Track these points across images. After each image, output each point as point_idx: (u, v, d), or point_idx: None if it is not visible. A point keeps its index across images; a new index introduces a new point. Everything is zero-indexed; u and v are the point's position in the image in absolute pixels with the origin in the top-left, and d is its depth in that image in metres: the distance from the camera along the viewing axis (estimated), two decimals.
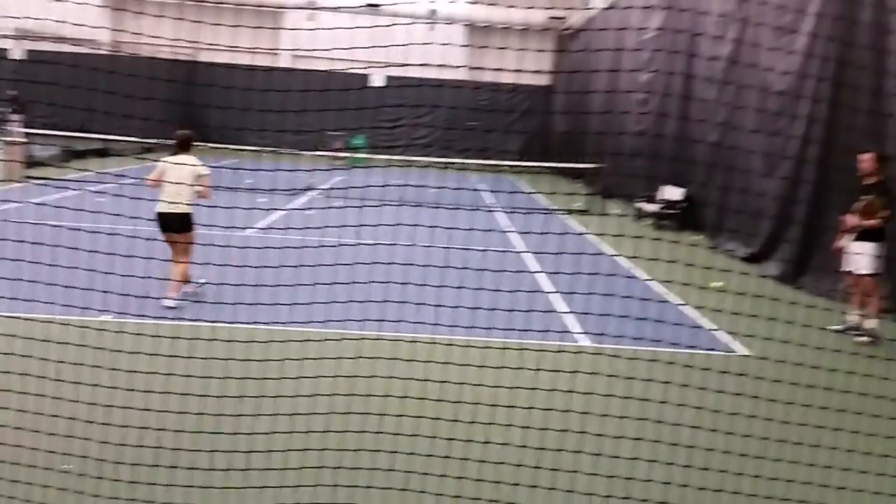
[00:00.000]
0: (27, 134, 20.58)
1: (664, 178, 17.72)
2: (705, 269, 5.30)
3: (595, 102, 22.24)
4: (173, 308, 7.13)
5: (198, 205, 7.80)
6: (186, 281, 8.02)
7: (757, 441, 4.88)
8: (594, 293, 5.05)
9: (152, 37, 5.81)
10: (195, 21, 5.80)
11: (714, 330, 8.29)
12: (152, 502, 4.21)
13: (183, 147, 8.50)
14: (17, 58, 28.07)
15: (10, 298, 4.85)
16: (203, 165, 8.17)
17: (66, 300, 4.86)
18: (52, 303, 4.95)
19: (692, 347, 7.21)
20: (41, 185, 12.68)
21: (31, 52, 29.97)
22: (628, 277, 5.25)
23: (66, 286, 4.88)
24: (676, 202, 17.09)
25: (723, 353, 7.71)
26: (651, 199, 17.81)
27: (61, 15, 5.02)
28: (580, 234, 5.12)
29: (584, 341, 7.81)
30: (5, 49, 30.84)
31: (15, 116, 23.98)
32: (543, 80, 36.31)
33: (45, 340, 4.98)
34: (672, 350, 6.43)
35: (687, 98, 17.09)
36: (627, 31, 20.58)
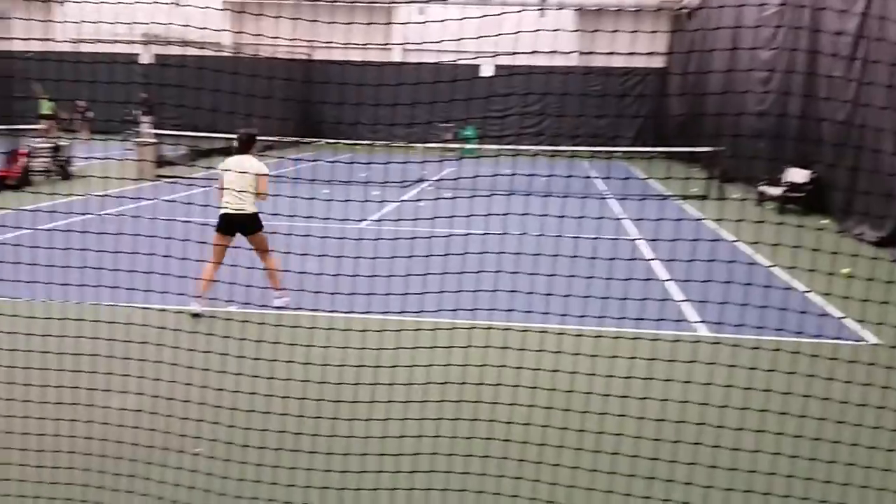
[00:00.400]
0: (157, 135, 21.77)
1: (788, 160, 16.96)
2: (833, 255, 5.05)
3: (713, 83, 21.47)
4: (281, 306, 7.23)
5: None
6: (276, 287, 7.90)
7: (888, 433, 4.63)
8: (712, 280, 4.91)
9: (271, 38, 6.03)
10: (311, 21, 5.98)
11: (842, 318, 7.90)
12: (276, 483, 4.40)
13: (245, 147, 8.28)
14: (146, 62, 29.66)
15: (145, 290, 5.17)
16: (261, 166, 8.13)
17: (195, 292, 5.13)
18: (183, 294, 5.23)
19: (818, 336, 6.89)
20: (171, 183, 13.39)
21: (158, 56, 31.62)
22: (749, 264, 5.06)
23: (195, 278, 5.15)
24: (802, 184, 16.30)
25: (851, 342, 7.34)
26: (774, 182, 17.07)
27: (186, 20, 5.29)
28: (697, 219, 4.96)
29: (703, 330, 7.60)
30: (136, 54, 32.68)
31: (145, 118, 25.39)
32: (658, 63, 35.37)
33: (176, 329, 5.28)
34: (797, 339, 6.17)
35: (812, 75, 16.26)
36: (746, 7, 19.77)
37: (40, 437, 4.87)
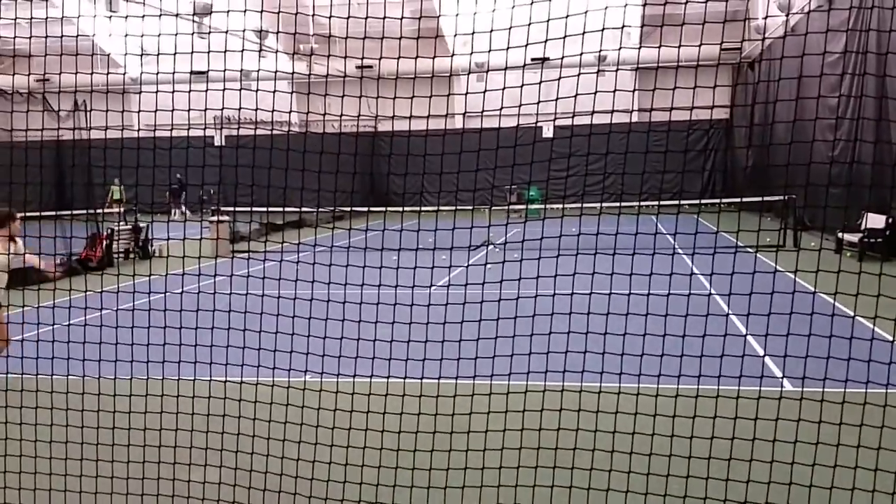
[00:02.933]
0: (231, 212, 22.50)
1: (865, 206, 16.50)
2: None
3: (780, 132, 21.17)
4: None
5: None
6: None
7: None
8: (794, 333, 4.76)
9: (336, 115, 6.24)
10: (374, 97, 6.18)
11: None
12: None
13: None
14: (218, 144, 30.91)
15: (225, 364, 5.29)
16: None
17: (271, 363, 5.23)
18: (258, 366, 5.34)
19: None
20: (245, 258, 13.79)
21: (228, 137, 32.95)
22: (831, 315, 4.90)
23: (273, 350, 5.25)
24: (881, 230, 15.80)
25: None
26: (851, 229, 16.60)
27: (257, 103, 5.53)
28: (773, 271, 4.82)
29: (787, 385, 7.33)
30: (211, 136, 34.09)
31: (178, 198, 26.46)
32: (722, 115, 35.10)
33: (253, 401, 5.37)
34: (885, 391, 5.90)
35: (882, 120, 15.92)
36: (809, 56, 19.57)
37: None
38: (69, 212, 19.15)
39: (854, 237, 16.31)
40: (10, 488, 5.20)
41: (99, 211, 25.00)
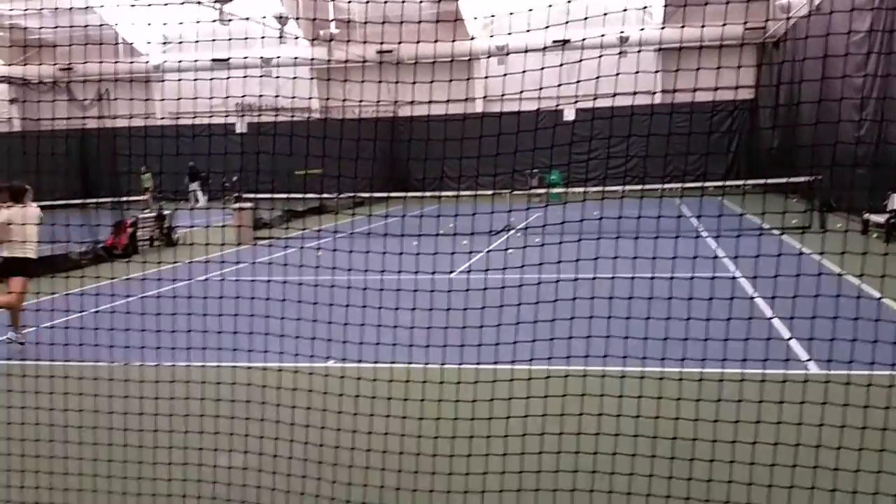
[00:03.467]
0: (253, 199, 22.61)
1: (892, 186, 16.23)
2: None
3: (806, 113, 20.88)
4: None
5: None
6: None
7: None
8: (819, 316, 4.70)
9: (357, 101, 6.23)
10: (394, 82, 6.16)
11: None
12: None
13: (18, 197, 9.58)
14: (240, 131, 31.05)
15: (248, 350, 5.33)
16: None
17: (294, 349, 5.26)
18: (281, 352, 5.37)
19: None
20: (266, 245, 13.87)
21: (250, 125, 33.07)
22: (857, 297, 4.84)
23: (295, 336, 5.29)
24: None
25: None
26: (878, 210, 16.36)
27: (277, 90, 5.53)
28: (798, 253, 4.76)
29: (813, 368, 7.26)
30: (233, 124, 34.25)
31: (192, 184, 26.56)
32: (747, 95, 34.63)
33: (277, 387, 5.40)
34: None
35: None
36: (834, 35, 19.25)
37: (154, 497, 5.03)
38: (94, 200, 19.33)
39: (881, 218, 16.06)
40: (41, 472, 5.28)
41: (128, 199, 25.26)
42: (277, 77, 5.50)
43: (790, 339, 8.12)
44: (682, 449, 4.82)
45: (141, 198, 26.50)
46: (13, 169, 6.21)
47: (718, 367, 5.40)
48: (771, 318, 8.56)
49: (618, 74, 5.13)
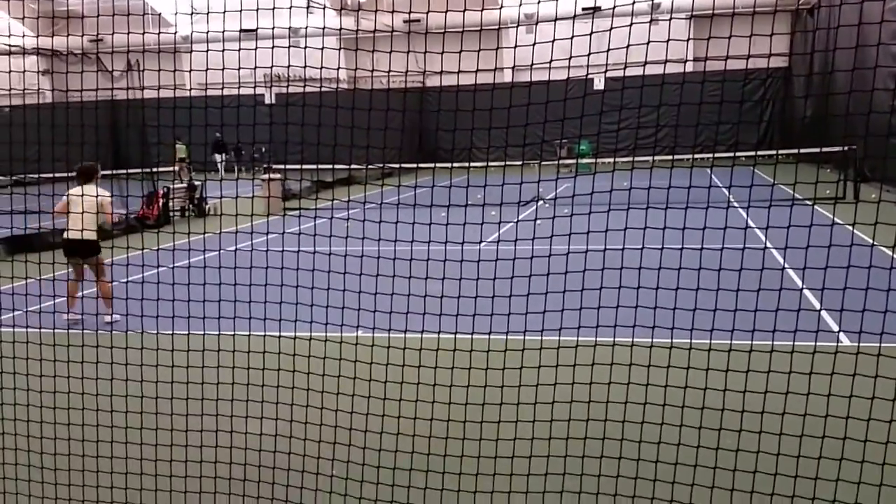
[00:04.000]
0: (282, 170, 22.74)
1: None
2: None
3: (840, 81, 20.45)
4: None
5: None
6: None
7: None
8: (850, 287, 4.65)
9: (385, 71, 6.21)
10: (422, 52, 6.13)
11: None
12: None
13: (86, 179, 10.32)
14: (269, 102, 31.08)
15: (278, 319, 5.40)
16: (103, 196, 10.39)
17: (324, 318, 5.32)
18: (311, 321, 5.43)
19: None
20: (295, 216, 13.95)
21: (278, 95, 33.09)
22: (889, 268, 4.78)
23: (325, 305, 5.34)
24: None
25: None
26: None
27: (305, 60, 5.54)
28: (831, 224, 4.68)
29: (844, 340, 7.21)
30: (262, 95, 34.34)
31: (218, 156, 26.55)
32: (780, 63, 33.99)
33: (307, 356, 5.48)
34: None
35: None
36: (869, 2, 18.79)
37: (187, 463, 5.15)
38: (125, 171, 19.53)
39: None
40: (73, 440, 5.42)
41: (167, 169, 25.48)
42: (305, 47, 5.51)
43: (821, 310, 8.05)
44: (711, 418, 4.83)
45: (173, 168, 26.76)
46: (44, 140, 6.30)
47: (747, 338, 5.38)
48: (801, 290, 8.48)
49: (649, 42, 5.06)
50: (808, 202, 6.92)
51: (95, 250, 10.33)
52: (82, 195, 10.23)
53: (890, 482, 4.32)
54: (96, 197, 10.31)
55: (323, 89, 6.74)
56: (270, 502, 5.02)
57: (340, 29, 5.49)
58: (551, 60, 5.28)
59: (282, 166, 23.00)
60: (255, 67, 5.57)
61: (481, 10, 18.69)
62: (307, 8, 6.90)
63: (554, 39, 5.30)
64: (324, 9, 29.64)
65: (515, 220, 14.08)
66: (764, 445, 4.63)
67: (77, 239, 10.28)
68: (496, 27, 32.80)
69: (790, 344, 4.87)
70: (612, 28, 5.13)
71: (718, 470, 4.54)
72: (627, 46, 5.15)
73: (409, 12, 5.58)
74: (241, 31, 6.10)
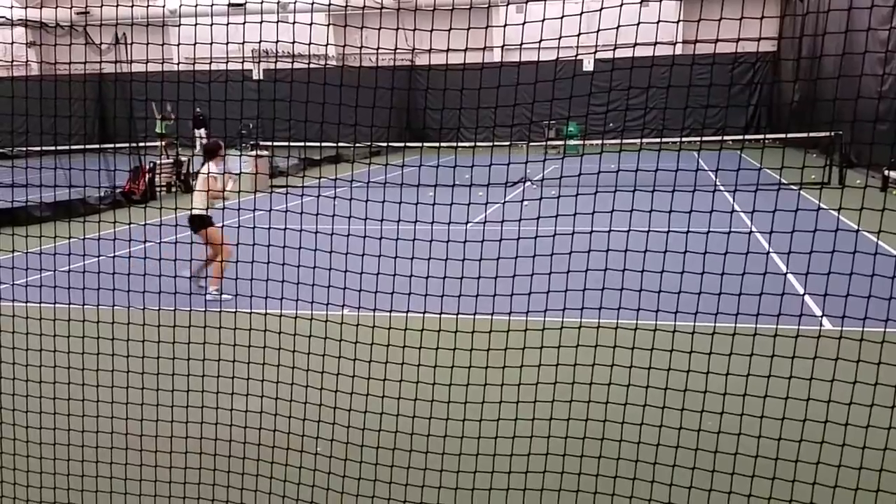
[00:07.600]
0: (270, 147, 22.61)
1: None
2: None
3: (828, 66, 20.49)
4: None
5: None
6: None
7: None
8: (834, 272, 4.69)
9: (374, 49, 6.17)
10: (411, 29, 6.08)
11: None
12: (394, 482, 4.50)
13: (210, 156, 10.69)
14: (257, 78, 30.82)
15: (264, 297, 5.39)
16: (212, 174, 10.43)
17: (309, 296, 5.32)
18: (297, 299, 5.43)
19: None
20: (283, 193, 13.90)
21: (266, 71, 32.81)
22: (874, 254, 4.82)
23: (311, 283, 5.33)
24: None
25: None
26: None
27: (294, 36, 5.49)
28: (817, 209, 4.70)
29: (827, 325, 7.26)
30: (249, 70, 34.04)
31: (198, 131, 26.37)
32: (769, 47, 34.00)
33: (292, 334, 5.47)
34: None
35: None
36: None
37: (171, 438, 5.15)
38: (112, 145, 19.36)
39: None
40: (59, 414, 5.41)
41: (154, 144, 25.26)
42: (294, 23, 5.44)
43: (804, 294, 8.11)
44: (694, 401, 4.87)
45: (158, 144, 26.55)
46: (31, 113, 6.23)
47: (731, 321, 5.43)
48: (786, 274, 8.54)
49: (639, 24, 5.04)
50: (793, 187, 6.95)
51: (203, 224, 10.50)
52: (207, 173, 10.86)
53: (870, 465, 4.38)
54: (207, 175, 10.85)
55: (311, 66, 6.69)
56: (255, 479, 5.04)
57: (329, 4, 5.43)
58: (541, 40, 5.26)
59: (269, 143, 22.87)
60: (244, 42, 5.51)
61: None
62: None
63: (544, 19, 5.27)
64: None
65: (503, 201, 14.08)
66: (745, 428, 4.68)
67: (190, 214, 10.59)
68: (486, 5, 32.64)
69: (773, 327, 4.91)
70: (602, 9, 5.10)
71: (699, 451, 4.59)
72: (617, 27, 5.14)
73: None
74: (230, 5, 6.03)
